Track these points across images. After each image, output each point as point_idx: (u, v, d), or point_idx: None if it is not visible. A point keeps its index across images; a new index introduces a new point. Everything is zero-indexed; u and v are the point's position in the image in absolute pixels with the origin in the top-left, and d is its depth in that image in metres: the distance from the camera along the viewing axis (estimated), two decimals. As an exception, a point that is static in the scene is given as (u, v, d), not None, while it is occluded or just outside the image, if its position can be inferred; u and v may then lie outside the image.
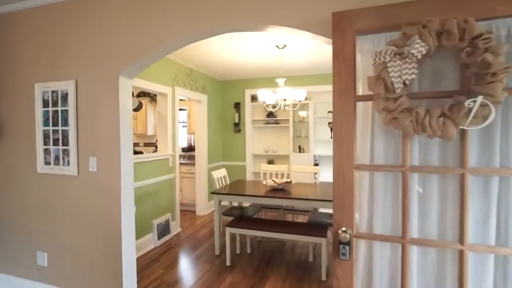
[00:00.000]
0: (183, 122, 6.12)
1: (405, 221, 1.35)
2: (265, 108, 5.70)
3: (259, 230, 3.04)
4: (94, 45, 2.20)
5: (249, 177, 5.72)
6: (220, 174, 3.86)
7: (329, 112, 5.30)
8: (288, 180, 3.63)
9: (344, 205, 1.47)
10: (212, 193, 3.39)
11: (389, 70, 1.28)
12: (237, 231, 3.13)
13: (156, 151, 4.37)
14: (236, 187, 3.68)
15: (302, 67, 4.79)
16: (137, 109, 4.17)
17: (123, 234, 2.22)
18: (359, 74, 1.49)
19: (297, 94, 3.43)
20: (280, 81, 3.53)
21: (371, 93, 1.36)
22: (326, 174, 5.29)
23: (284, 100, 3.34)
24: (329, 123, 5.28)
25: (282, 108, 3.53)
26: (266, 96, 3.44)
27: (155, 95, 4.69)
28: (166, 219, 4.01)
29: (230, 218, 3.56)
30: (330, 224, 3.20)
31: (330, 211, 1.90)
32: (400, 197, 1.38)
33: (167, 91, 4.02)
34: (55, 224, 2.40)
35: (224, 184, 3.95)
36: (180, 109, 6.05)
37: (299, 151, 5.51)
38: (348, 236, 1.40)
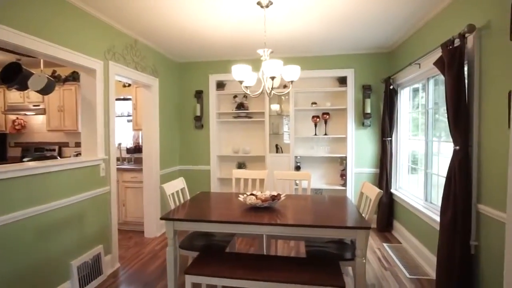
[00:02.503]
0: (128, 116, 4.77)
1: None
2: (234, 98, 4.62)
3: (237, 277, 1.94)
4: None
5: (214, 184, 4.57)
6: (175, 187, 2.68)
7: (313, 103, 4.35)
8: (275, 193, 2.57)
9: None
10: (163, 219, 2.21)
11: None
12: (203, 280, 2.00)
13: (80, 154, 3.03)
14: (199, 207, 2.53)
15: (286, 44, 3.77)
16: (45, 90, 2.82)
17: None
18: None
19: (290, 71, 2.38)
20: (264, 52, 2.46)
21: None
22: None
23: (272, 79, 2.28)
24: (314, 116, 4.34)
25: (268, 91, 2.47)
26: (243, 73, 2.34)
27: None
28: (95, 255, 2.72)
29: (191, 253, 2.41)
30: (341, 258, 2.20)
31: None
32: None
33: (95, 66, 2.73)
34: None
35: (182, 200, 2.77)
36: (123, 98, 4.71)
37: (277, 151, 4.50)
38: None
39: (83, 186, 2.62)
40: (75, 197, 2.52)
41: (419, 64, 3.11)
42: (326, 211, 2.39)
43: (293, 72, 2.41)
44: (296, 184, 4.20)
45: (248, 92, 2.59)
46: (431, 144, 3.12)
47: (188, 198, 2.85)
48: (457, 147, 2.19)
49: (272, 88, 2.45)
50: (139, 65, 3.48)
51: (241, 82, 2.43)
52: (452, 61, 2.21)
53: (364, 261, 2.04)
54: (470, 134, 2.18)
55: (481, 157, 2.13)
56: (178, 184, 2.75)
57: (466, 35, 2.16)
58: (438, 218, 2.73)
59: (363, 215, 2.31)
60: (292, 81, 2.47)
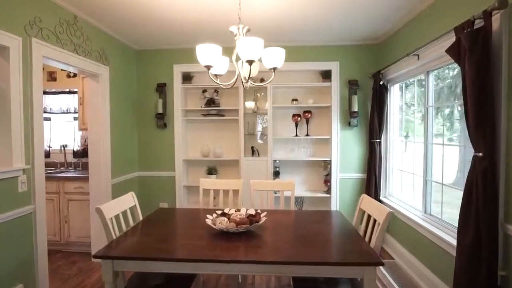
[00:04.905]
0: (74, 112, 3.98)
1: None
2: (203, 92, 3.99)
3: None
4: None
5: (180, 194, 3.91)
6: (120, 206, 2.02)
7: (293, 100, 3.84)
8: (253, 212, 2.01)
9: None
10: (97, 257, 1.57)
11: None
12: None
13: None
14: (152, 235, 1.90)
15: (262, 30, 3.21)
16: None
17: None
18: None
19: (272, 55, 1.82)
20: (239, 30, 1.89)
21: None
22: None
23: (250, 63, 1.71)
24: (294, 115, 3.82)
25: (243, 80, 1.90)
26: (211, 54, 1.76)
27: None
28: (9, 300, 2.01)
29: (141, 298, 1.78)
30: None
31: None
32: None
33: (8, 43, 2.00)
34: None
35: (132, 222, 2.12)
36: (69, 92, 3.93)
37: (253, 155, 3.94)
38: None
39: (-11, 208, 1.90)
40: (-25, 224, 1.80)
41: (418, 55, 2.69)
42: (318, 236, 1.86)
43: (277, 56, 1.86)
44: (275, 193, 3.68)
45: (218, 81, 1.99)
46: (431, 148, 2.72)
47: (141, 218, 2.21)
48: (480, 154, 1.76)
49: (249, 76, 1.88)
50: (80, 47, 2.75)
51: (208, 68, 1.83)
52: (474, 47, 1.77)
53: (373, 307, 1.53)
54: (496, 138, 1.75)
55: (510, 166, 1.71)
56: (125, 202, 2.09)
57: (494, 13, 1.73)
58: (441, 234, 2.35)
59: (365, 239, 1.82)
60: (274, 69, 1.92)
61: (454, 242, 2.17)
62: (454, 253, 2.14)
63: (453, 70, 2.64)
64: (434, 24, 2.49)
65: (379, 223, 1.73)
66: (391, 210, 1.68)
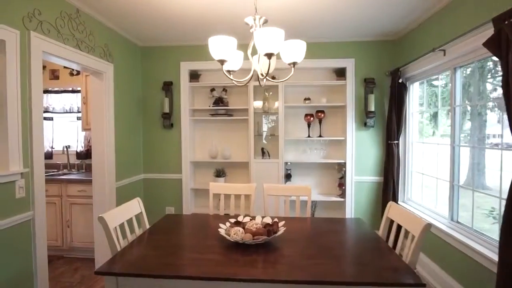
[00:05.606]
0: (77, 112, 3.83)
1: None
2: (211, 91, 3.81)
3: None
4: None
5: (187, 197, 3.75)
6: (125, 214, 1.85)
7: (306, 99, 3.66)
8: (269, 220, 1.84)
9: None
10: (98, 273, 1.40)
11: None
12: None
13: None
14: (160, 246, 1.73)
15: (275, 25, 3.03)
16: None
17: None
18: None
19: (292, 48, 1.65)
20: (255, 21, 1.71)
21: None
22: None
23: (269, 57, 1.53)
24: (307, 115, 3.64)
25: (260, 76, 1.72)
26: (225, 47, 1.58)
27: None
28: (5, 315, 1.85)
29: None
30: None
31: None
32: None
33: (5, 36, 1.85)
34: None
35: (138, 231, 1.96)
36: (72, 90, 3.78)
37: (263, 156, 3.76)
38: None
39: (-17, 216, 1.74)
40: (-33, 233, 1.64)
41: (444, 50, 2.49)
42: (344, 249, 1.68)
43: (297, 50, 1.68)
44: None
45: (231, 77, 1.82)
46: (458, 150, 2.52)
47: (148, 226, 2.04)
48: (527, 158, 1.57)
49: (267, 72, 1.70)
50: (83, 43, 2.60)
51: (222, 62, 1.66)
52: (521, 38, 1.58)
53: (411, 332, 1.35)
54: (547, 140, 1.56)
55: None
56: (130, 209, 1.92)
57: (545, -1, 1.54)
58: (475, 245, 2.15)
59: (395, 251, 1.64)
60: (294, 64, 1.74)
61: (489, 253, 1.99)
62: (489, 265, 1.96)
63: (466, 69, 2.48)
64: (462, 16, 2.29)
65: (413, 236, 1.54)
66: (428, 222, 1.50)
